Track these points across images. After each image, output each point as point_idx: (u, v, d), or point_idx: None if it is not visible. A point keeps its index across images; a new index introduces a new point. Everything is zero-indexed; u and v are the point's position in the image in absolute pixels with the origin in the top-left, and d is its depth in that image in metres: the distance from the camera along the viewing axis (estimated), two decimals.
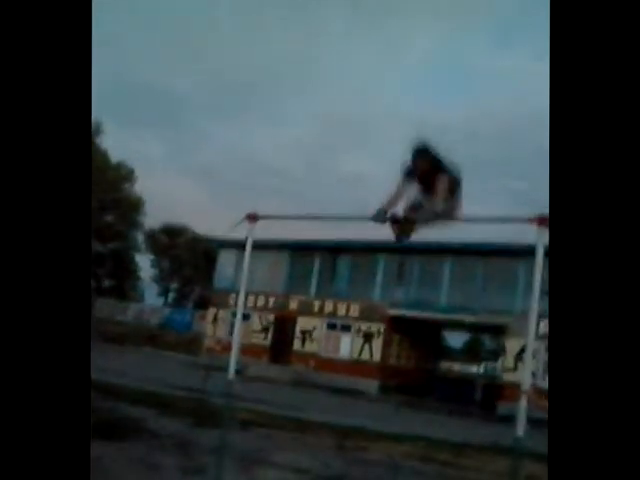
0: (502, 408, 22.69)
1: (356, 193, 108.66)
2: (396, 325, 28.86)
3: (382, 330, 28.47)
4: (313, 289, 31.19)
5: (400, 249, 28.36)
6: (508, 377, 24.08)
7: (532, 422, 4.51)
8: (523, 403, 4.41)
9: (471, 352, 69.31)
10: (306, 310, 30.76)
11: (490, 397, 26.85)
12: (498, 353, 41.20)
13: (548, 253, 3.12)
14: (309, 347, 30.31)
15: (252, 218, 6.51)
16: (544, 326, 4.80)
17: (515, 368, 23.67)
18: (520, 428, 4.35)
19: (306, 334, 30.51)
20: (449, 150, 5.65)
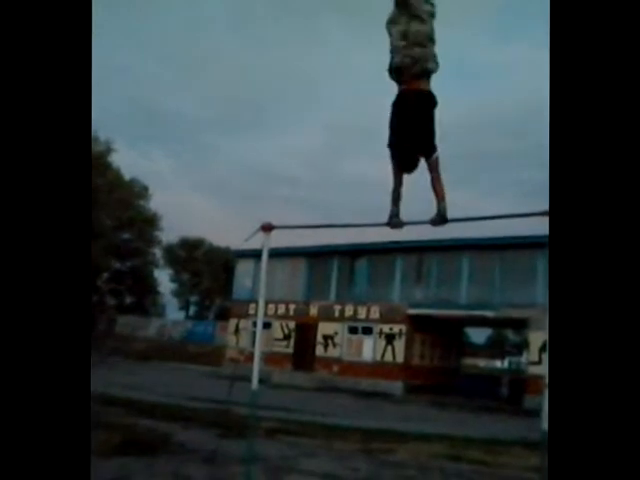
0: (529, 401, 22.53)
1: (366, 195, 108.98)
2: (417, 325, 28.77)
3: (404, 331, 28.37)
4: (333, 294, 31.18)
5: (417, 248, 28.33)
6: (533, 370, 23.90)
7: None
8: (547, 396, 4.38)
9: (495, 347, 68.96)
10: (327, 315, 30.74)
11: (516, 391, 26.69)
12: (522, 347, 40.99)
13: (548, 246, 3.10)
14: (332, 352, 30.27)
15: (267, 228, 6.55)
16: None
17: (540, 361, 23.48)
18: (545, 421, 4.33)
19: (328, 339, 30.48)
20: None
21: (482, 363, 67.11)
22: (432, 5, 5.24)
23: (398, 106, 5.24)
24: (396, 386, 27.42)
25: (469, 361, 57.00)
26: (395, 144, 5.21)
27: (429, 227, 5.77)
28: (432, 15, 5.23)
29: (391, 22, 5.28)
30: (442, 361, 31.85)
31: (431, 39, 5.23)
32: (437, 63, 5.22)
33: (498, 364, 66.93)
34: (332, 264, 31.57)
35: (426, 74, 5.20)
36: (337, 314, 30.46)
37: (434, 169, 5.21)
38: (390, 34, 5.28)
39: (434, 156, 5.19)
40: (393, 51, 5.25)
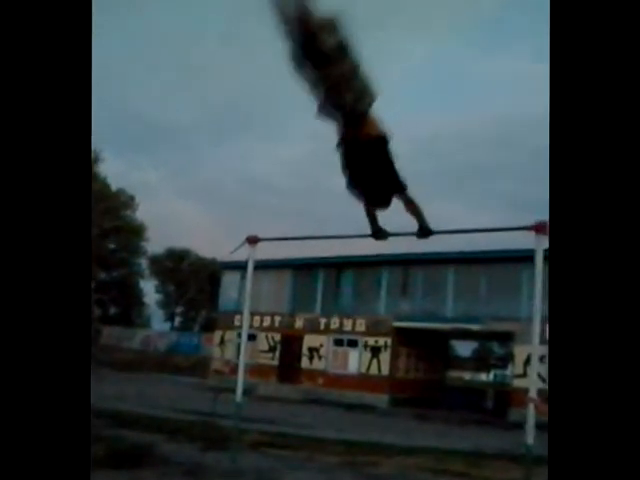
0: (514, 414, 22.56)
1: (354, 206, 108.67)
2: (403, 338, 28.78)
3: (389, 343, 28.37)
4: (318, 306, 31.14)
5: (403, 261, 28.38)
6: (518, 383, 23.96)
7: (543, 428, 4.48)
8: (531, 410, 4.39)
9: (480, 360, 69.03)
10: (312, 328, 30.69)
11: (501, 404, 26.73)
12: (507, 360, 41.10)
13: (548, 258, 3.08)
14: (317, 364, 30.20)
15: (252, 241, 6.55)
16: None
17: (525, 374, 23.50)
18: (530, 435, 4.34)
19: (313, 352, 30.41)
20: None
21: (467, 376, 67.19)
22: (339, 35, 4.03)
23: (347, 156, 4.53)
24: (381, 399, 27.37)
25: (454, 374, 57.00)
26: (357, 194, 4.70)
27: (415, 240, 5.76)
28: (344, 48, 4.07)
29: (298, 66, 4.16)
30: (427, 374, 31.83)
31: (357, 73, 4.20)
32: (373, 93, 4.35)
33: (483, 377, 67.11)
34: (318, 276, 31.56)
35: (365, 111, 4.44)
36: (323, 326, 30.42)
37: (407, 200, 4.90)
38: (303, 79, 4.24)
39: (405, 193, 4.82)
40: (314, 95, 4.33)
